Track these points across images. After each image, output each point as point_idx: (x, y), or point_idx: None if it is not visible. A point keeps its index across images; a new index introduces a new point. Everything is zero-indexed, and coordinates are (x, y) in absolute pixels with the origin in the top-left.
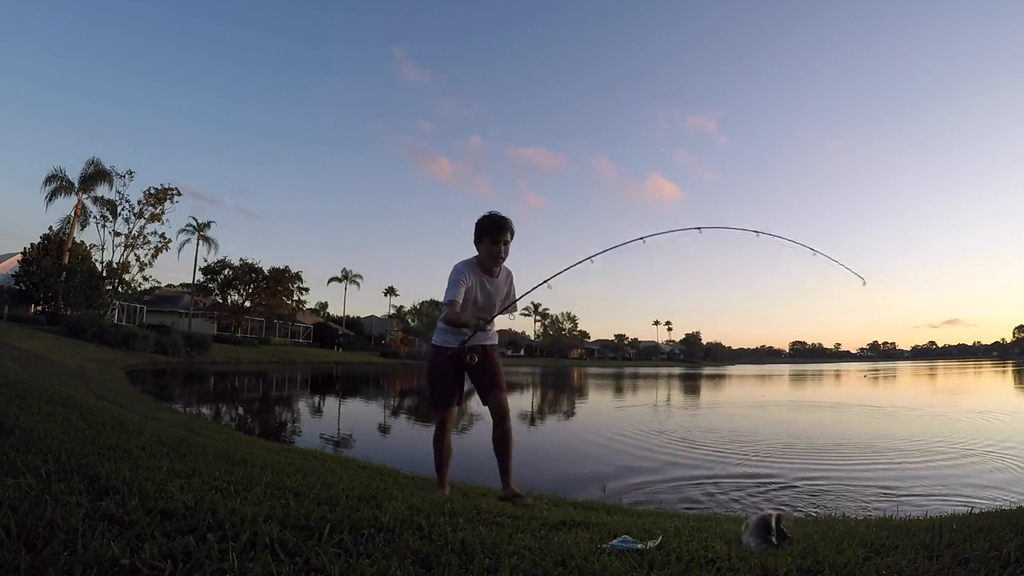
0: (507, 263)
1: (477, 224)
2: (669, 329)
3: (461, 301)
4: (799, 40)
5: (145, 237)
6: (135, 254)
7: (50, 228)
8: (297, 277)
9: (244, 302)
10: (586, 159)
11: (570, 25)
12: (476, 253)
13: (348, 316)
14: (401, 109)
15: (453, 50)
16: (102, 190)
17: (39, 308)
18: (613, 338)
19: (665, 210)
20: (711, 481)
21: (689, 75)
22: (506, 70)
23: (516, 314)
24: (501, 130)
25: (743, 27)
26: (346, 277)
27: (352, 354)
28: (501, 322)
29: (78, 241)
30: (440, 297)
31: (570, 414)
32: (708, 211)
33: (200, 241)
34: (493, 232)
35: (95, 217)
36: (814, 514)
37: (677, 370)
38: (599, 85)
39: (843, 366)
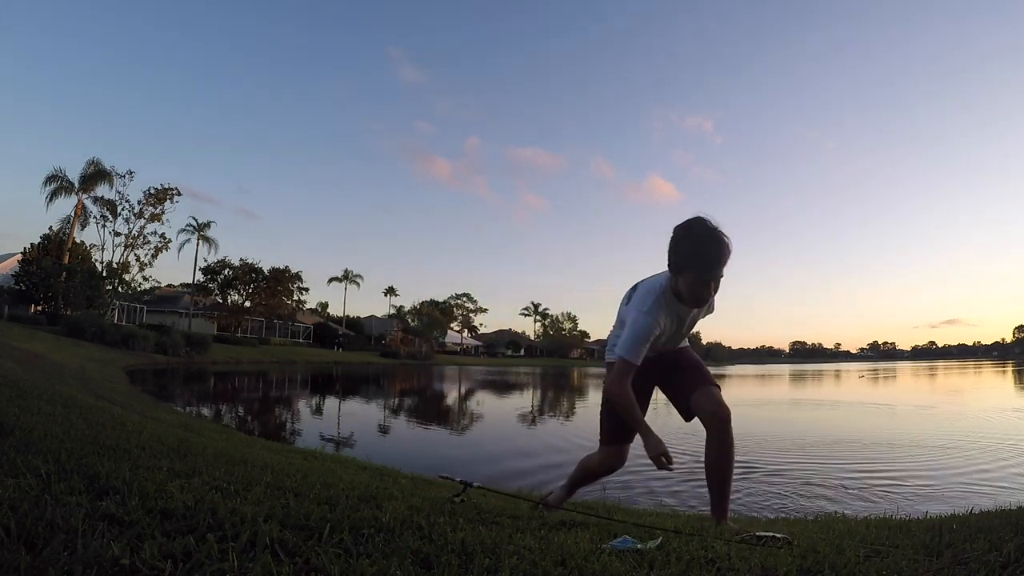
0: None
1: (678, 242)
2: None
3: (639, 361)
4: (795, 40)
5: (145, 237)
6: (135, 254)
7: (50, 228)
8: (297, 277)
9: (244, 302)
10: (584, 159)
11: (566, 27)
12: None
13: (348, 316)
14: (399, 110)
15: (450, 51)
16: (102, 190)
17: (39, 308)
18: None
19: (663, 210)
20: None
21: (685, 75)
22: (503, 71)
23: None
24: (499, 131)
25: (739, 27)
26: (346, 277)
27: (352, 354)
28: (499, 322)
29: (78, 241)
30: (441, 297)
31: (569, 414)
32: (706, 210)
33: (200, 241)
34: (702, 267)
35: (95, 217)
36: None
37: None
38: (596, 86)
39: (843, 366)
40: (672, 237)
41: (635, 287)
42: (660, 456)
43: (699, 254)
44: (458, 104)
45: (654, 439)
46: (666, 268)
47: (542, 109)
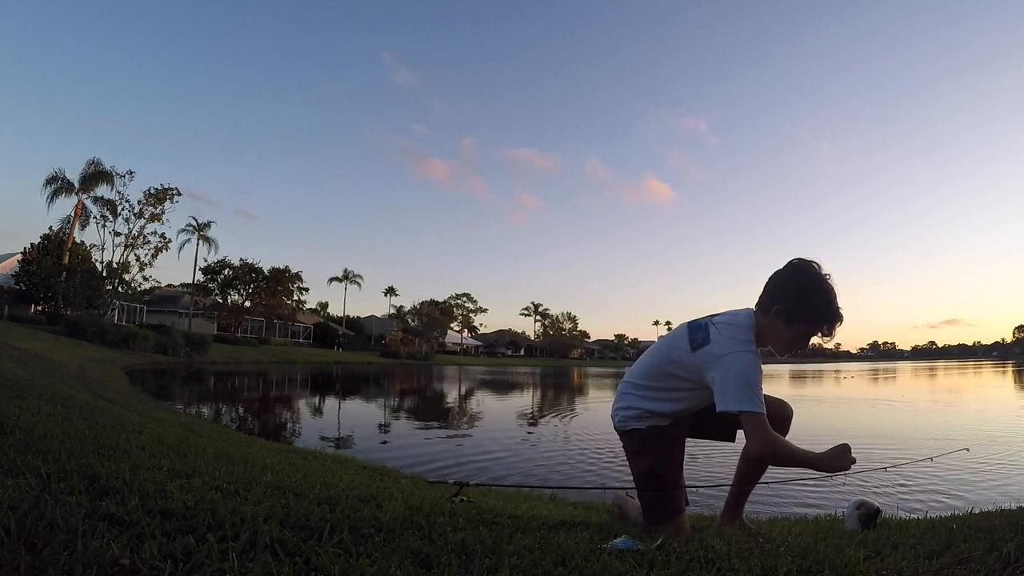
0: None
1: (802, 289)
2: (669, 329)
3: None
4: (790, 41)
5: (145, 237)
6: (135, 254)
7: (50, 228)
8: (297, 277)
9: (244, 302)
10: (579, 161)
11: (561, 29)
12: (753, 312)
13: (348, 316)
14: (395, 112)
15: (443, 53)
16: (102, 190)
17: (39, 308)
18: (613, 338)
19: (659, 210)
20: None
21: (680, 77)
22: (497, 73)
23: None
24: (494, 132)
25: (733, 28)
26: (346, 277)
27: (352, 354)
28: (499, 322)
29: (78, 241)
30: (441, 297)
31: (568, 413)
32: (702, 211)
33: (200, 241)
34: (828, 321)
35: (95, 217)
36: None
37: None
38: (591, 87)
39: (843, 366)
40: (789, 279)
41: (694, 325)
42: (850, 460)
43: (828, 309)
44: (453, 106)
45: (831, 454)
46: (751, 307)
47: (537, 110)
